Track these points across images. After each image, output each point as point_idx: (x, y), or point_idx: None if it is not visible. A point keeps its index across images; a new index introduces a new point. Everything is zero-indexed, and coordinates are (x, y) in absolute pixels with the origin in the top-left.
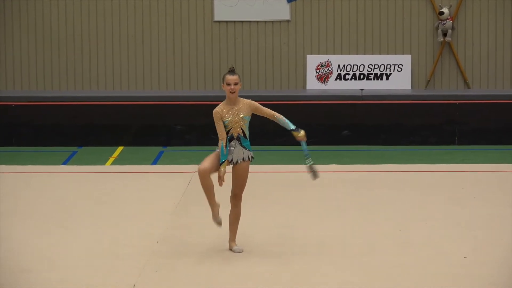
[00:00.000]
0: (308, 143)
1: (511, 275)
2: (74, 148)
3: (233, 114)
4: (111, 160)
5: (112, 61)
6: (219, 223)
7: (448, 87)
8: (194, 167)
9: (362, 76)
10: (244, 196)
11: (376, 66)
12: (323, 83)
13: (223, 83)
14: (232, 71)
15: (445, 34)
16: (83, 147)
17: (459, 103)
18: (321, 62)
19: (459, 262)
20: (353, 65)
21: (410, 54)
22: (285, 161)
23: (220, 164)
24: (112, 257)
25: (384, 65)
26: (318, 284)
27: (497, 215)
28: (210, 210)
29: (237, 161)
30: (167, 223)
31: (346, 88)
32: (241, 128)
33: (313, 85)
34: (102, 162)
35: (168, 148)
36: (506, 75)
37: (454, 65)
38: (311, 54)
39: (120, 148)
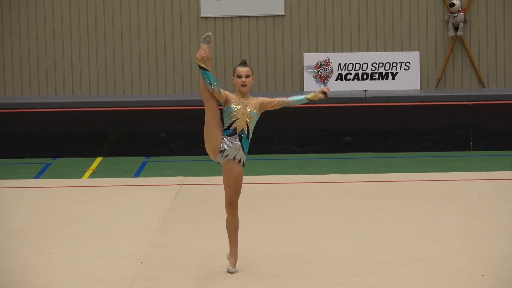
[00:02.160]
0: (307, 151)
1: None
2: (48, 160)
3: (242, 105)
4: (88, 172)
5: (88, 63)
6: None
7: (460, 87)
8: (180, 179)
9: (365, 76)
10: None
11: (381, 65)
12: (322, 84)
13: (233, 76)
14: (244, 63)
15: (456, 28)
16: (58, 159)
17: (473, 104)
18: (320, 61)
19: (476, 280)
20: (355, 63)
21: (419, 50)
22: (282, 171)
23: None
24: (91, 280)
25: (389, 63)
26: None
27: None
28: (198, 227)
29: (227, 155)
30: (152, 242)
31: (348, 89)
32: (247, 123)
33: (311, 86)
34: (79, 175)
35: (152, 158)
36: None
37: (467, 62)
38: (309, 52)
39: (99, 159)
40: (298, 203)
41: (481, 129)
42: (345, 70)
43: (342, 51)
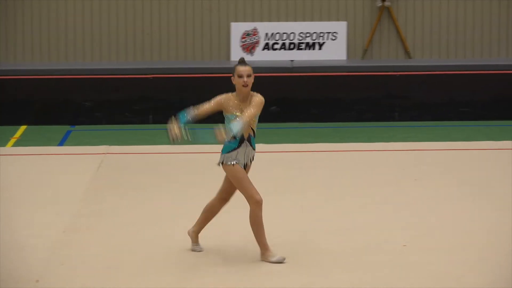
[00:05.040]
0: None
1: (451, 262)
2: None
3: (241, 111)
4: (12, 141)
5: (14, 28)
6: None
7: (387, 57)
8: (104, 148)
9: (292, 46)
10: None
11: (307, 35)
12: (249, 54)
13: (233, 75)
14: (243, 62)
15: None
16: None
17: (399, 74)
18: (247, 30)
19: (398, 250)
20: (283, 33)
21: (346, 20)
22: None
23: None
24: (14, 249)
25: (316, 33)
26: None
27: (441, 197)
28: (122, 196)
29: (246, 164)
30: (76, 211)
31: (274, 59)
32: (251, 127)
33: (238, 55)
34: (3, 143)
35: (77, 127)
36: (451, 43)
37: (393, 32)
38: (236, 21)
39: (23, 128)
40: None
41: (407, 100)
42: (272, 40)
43: (269, 21)
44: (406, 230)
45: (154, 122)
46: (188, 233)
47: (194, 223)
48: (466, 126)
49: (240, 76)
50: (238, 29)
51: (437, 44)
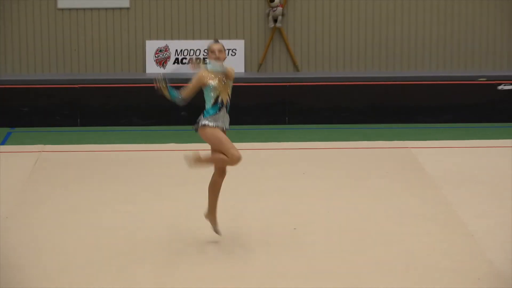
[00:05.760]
0: (148, 123)
1: (336, 242)
2: None
3: (219, 80)
4: None
5: None
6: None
7: (279, 70)
8: (40, 147)
9: (198, 60)
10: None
11: None
12: (161, 67)
13: (208, 53)
14: (216, 41)
15: (275, 21)
16: None
17: (289, 85)
18: (160, 47)
19: (288, 233)
20: (190, 49)
21: (243, 39)
22: (126, 141)
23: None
24: None
25: None
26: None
27: (323, 189)
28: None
29: (225, 129)
30: (15, 200)
31: (183, 71)
32: (228, 94)
33: (152, 69)
34: None
35: (16, 129)
36: (333, 59)
37: (284, 49)
38: (150, 39)
39: None
40: (146, 168)
41: (296, 106)
42: (181, 55)
43: (179, 39)
44: (297, 216)
45: (81, 125)
46: (206, 216)
47: (207, 207)
48: (346, 129)
49: (212, 52)
50: (152, 46)
51: (321, 59)
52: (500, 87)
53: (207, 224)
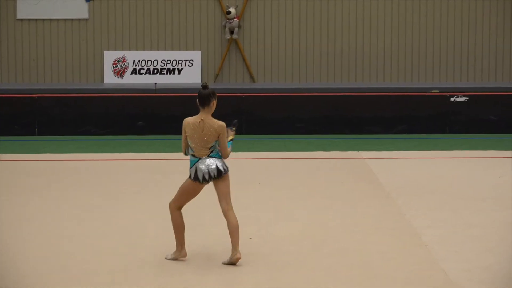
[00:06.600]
0: (104, 133)
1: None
2: None
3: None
4: None
5: None
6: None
7: (235, 81)
8: None
9: (155, 71)
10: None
11: (168, 62)
12: (119, 77)
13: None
14: (205, 87)
15: (232, 32)
16: None
17: (245, 95)
18: (118, 57)
19: (245, 242)
20: (148, 60)
21: (200, 50)
22: (84, 150)
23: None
24: None
25: (176, 61)
26: None
27: (278, 199)
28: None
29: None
30: None
31: (141, 82)
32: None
33: (110, 79)
34: None
35: None
36: (288, 70)
37: (240, 60)
38: (108, 50)
39: None
40: (103, 176)
41: (252, 116)
42: (139, 66)
43: (136, 50)
44: (252, 225)
45: (39, 134)
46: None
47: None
48: (301, 139)
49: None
50: (110, 56)
51: (277, 70)
52: (452, 99)
53: (164, 230)
